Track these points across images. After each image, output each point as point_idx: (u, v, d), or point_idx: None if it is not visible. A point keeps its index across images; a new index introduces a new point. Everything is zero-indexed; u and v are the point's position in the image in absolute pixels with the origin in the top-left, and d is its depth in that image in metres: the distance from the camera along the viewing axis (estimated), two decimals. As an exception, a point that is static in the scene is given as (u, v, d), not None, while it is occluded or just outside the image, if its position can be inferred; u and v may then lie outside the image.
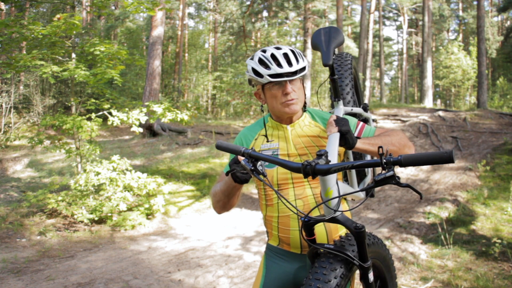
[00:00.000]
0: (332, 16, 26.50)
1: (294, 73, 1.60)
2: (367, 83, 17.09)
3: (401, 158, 1.22)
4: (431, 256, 4.57)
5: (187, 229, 6.31)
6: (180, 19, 26.12)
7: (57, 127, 6.31)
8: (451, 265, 4.28)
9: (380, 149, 1.23)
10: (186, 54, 27.86)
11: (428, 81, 19.38)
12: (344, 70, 2.26)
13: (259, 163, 1.43)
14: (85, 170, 6.40)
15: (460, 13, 33.26)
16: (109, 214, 6.19)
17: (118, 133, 17.11)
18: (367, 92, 16.81)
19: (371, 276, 1.45)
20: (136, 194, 6.90)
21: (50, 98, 17.09)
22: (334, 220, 1.41)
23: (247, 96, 20.93)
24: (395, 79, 44.87)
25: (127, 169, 6.66)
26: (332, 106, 2.06)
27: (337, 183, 1.42)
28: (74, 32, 6.26)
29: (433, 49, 28.98)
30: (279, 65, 1.59)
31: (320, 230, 1.63)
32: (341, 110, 1.98)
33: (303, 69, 1.63)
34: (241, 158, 1.52)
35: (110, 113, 6.70)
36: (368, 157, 2.20)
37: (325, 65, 1.85)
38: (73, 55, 6.88)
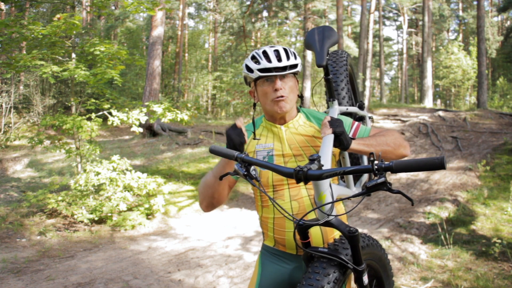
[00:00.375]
0: (332, 16, 26.51)
1: (284, 68, 1.60)
2: (367, 83, 17.07)
3: (393, 164, 1.20)
4: (431, 256, 4.57)
5: (187, 229, 6.31)
6: (180, 19, 26.12)
7: (57, 127, 6.31)
8: (451, 265, 4.28)
9: (371, 155, 1.23)
10: (186, 54, 27.85)
11: (428, 81, 19.38)
12: (339, 66, 2.25)
13: (252, 167, 1.42)
14: (85, 170, 6.40)
15: (460, 13, 33.26)
16: (109, 214, 6.19)
17: (118, 133, 17.11)
18: (367, 92, 16.79)
19: (365, 278, 1.45)
20: (136, 194, 6.90)
21: (50, 98, 17.08)
22: (327, 224, 1.40)
23: (247, 96, 20.93)
24: (395, 79, 44.88)
25: (127, 169, 6.66)
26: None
27: (330, 186, 1.42)
28: (74, 32, 6.26)
29: (433, 49, 28.98)
30: (268, 60, 1.60)
31: (315, 232, 1.63)
32: (336, 110, 1.96)
33: (294, 66, 1.62)
34: (239, 124, 1.58)
35: (110, 113, 6.70)
36: (365, 157, 2.19)
37: (318, 66, 1.83)
38: (73, 55, 6.88)
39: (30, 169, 10.13)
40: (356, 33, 32.33)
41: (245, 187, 8.32)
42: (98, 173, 6.24)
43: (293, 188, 1.67)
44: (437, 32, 32.31)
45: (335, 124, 1.54)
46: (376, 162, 1.22)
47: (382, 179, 1.21)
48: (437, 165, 1.15)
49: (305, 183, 1.30)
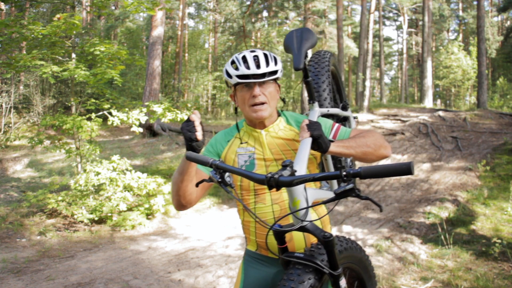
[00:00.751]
0: (332, 16, 26.50)
1: (263, 75, 1.59)
2: (367, 83, 17.05)
3: (361, 170, 1.19)
4: (431, 256, 4.58)
5: (187, 229, 6.31)
6: (180, 19, 26.13)
7: (57, 127, 6.31)
8: (451, 265, 4.28)
9: (339, 161, 1.22)
10: (186, 54, 27.87)
11: (428, 81, 19.37)
12: (321, 67, 2.22)
13: (226, 174, 1.41)
14: (85, 170, 6.40)
15: (460, 13, 33.27)
16: (109, 214, 6.20)
17: (118, 133, 17.11)
18: (367, 92, 16.77)
19: (342, 283, 1.44)
20: (136, 194, 6.90)
21: (50, 98, 17.08)
22: (302, 229, 1.39)
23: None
24: (395, 79, 44.89)
25: (127, 169, 6.66)
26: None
27: (305, 190, 1.40)
28: (74, 32, 6.26)
29: (433, 49, 28.99)
30: (247, 66, 1.58)
31: (298, 236, 1.63)
32: (316, 112, 1.94)
33: (274, 73, 1.61)
34: (193, 118, 1.49)
35: (110, 113, 6.70)
36: (348, 159, 2.16)
37: (296, 69, 1.80)
38: (73, 55, 6.88)
39: (30, 169, 10.13)
40: (356, 33, 32.33)
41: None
42: (98, 173, 6.24)
43: (275, 192, 1.66)
44: (437, 32, 32.32)
45: (312, 127, 1.52)
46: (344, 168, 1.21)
47: (350, 186, 1.21)
48: (405, 170, 1.14)
49: (277, 189, 1.29)
